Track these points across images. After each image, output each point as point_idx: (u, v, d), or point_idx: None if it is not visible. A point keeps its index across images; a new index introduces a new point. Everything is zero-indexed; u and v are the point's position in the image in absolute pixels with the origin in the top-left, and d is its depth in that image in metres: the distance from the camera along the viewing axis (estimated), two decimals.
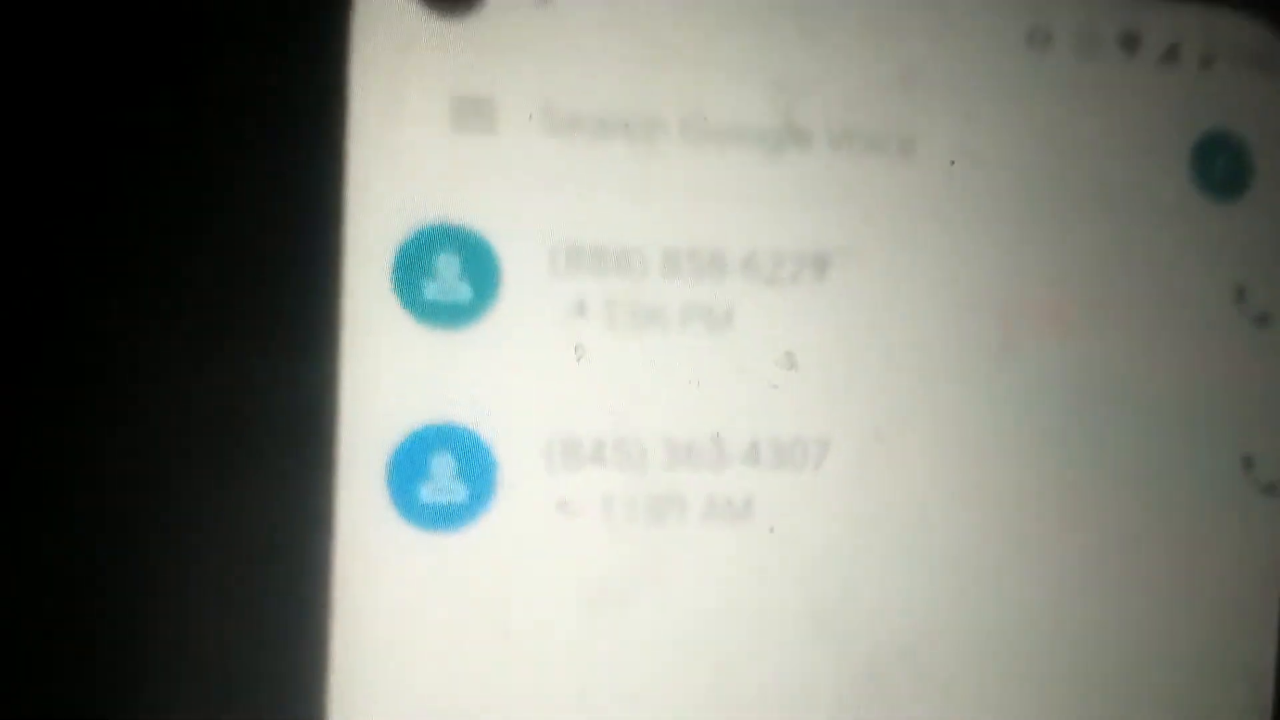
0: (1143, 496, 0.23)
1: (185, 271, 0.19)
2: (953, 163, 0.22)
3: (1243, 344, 0.23)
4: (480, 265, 0.20)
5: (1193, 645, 0.23)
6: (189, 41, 0.18)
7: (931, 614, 0.22)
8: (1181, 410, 0.23)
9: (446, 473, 0.19)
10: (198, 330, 0.19)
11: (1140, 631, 0.23)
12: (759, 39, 0.21)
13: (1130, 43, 0.23)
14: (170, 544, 0.19)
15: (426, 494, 0.19)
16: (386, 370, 0.19)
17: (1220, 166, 0.23)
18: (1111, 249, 0.23)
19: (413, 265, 0.19)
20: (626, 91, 0.20)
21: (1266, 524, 0.23)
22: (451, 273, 0.19)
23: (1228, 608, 0.23)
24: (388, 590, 0.19)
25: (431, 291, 0.19)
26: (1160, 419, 0.23)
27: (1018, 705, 0.22)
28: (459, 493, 0.20)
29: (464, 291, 0.20)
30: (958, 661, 0.22)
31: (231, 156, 0.19)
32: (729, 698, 0.21)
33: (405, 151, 0.19)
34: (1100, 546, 0.23)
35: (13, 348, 0.18)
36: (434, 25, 0.19)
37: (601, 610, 0.20)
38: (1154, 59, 0.23)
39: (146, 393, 0.18)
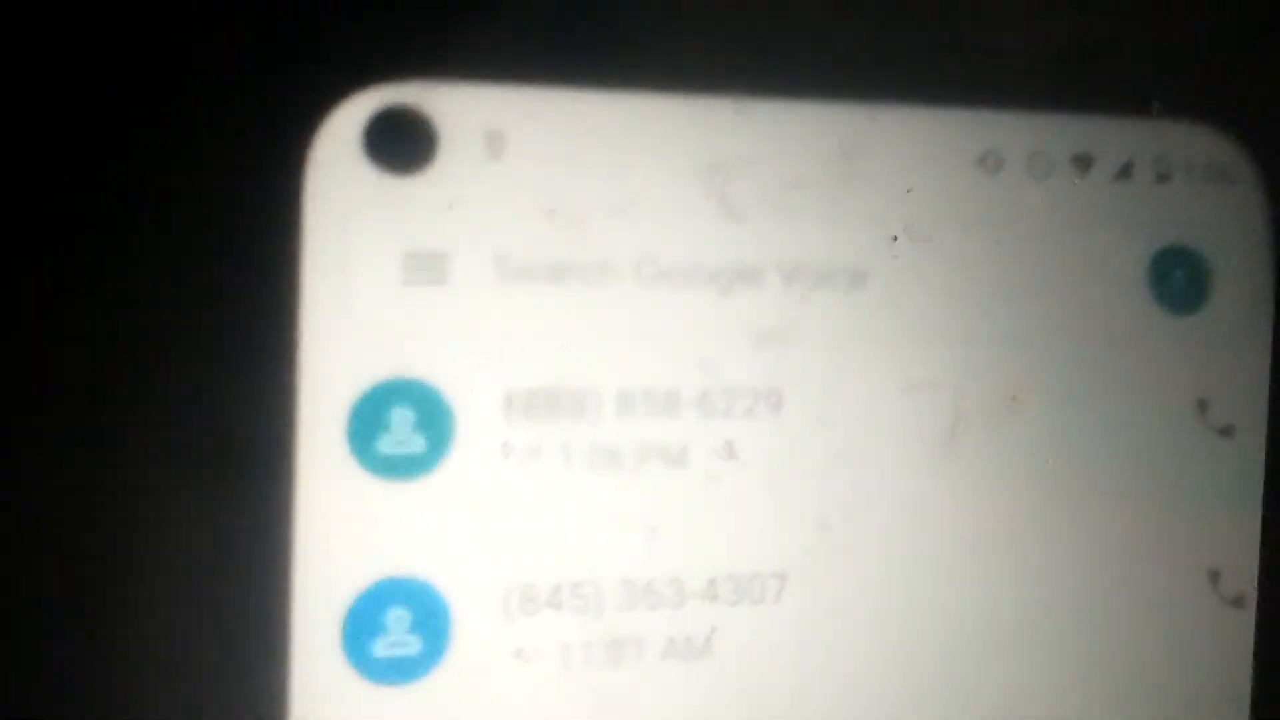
0: (1103, 607, 0.23)
1: (134, 427, 0.19)
2: (895, 239, 0.22)
3: (1207, 456, 0.24)
4: (434, 416, 0.20)
5: None
6: (140, 200, 0.19)
7: None
8: (1145, 523, 0.23)
9: (401, 626, 0.20)
10: (148, 485, 0.19)
11: None
12: (708, 163, 0.21)
13: (1083, 162, 0.23)
14: (121, 700, 0.19)
15: (381, 648, 0.20)
16: (341, 524, 0.19)
17: (1178, 280, 0.23)
18: (1068, 363, 0.23)
19: (368, 420, 0.19)
20: (578, 239, 0.20)
21: (1234, 637, 0.23)
22: (405, 426, 0.20)
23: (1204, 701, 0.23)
24: None
25: (386, 445, 0.20)
26: (1124, 531, 0.23)
27: None
28: (413, 645, 0.20)
29: (418, 443, 0.20)
30: None
31: (183, 316, 0.19)
32: None
33: (359, 307, 0.19)
34: (1058, 654, 0.23)
35: None
36: (386, 183, 0.20)
37: None
38: (1107, 177, 0.23)
39: (104, 553, 0.19)
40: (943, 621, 0.22)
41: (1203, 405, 0.24)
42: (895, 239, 0.22)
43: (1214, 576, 0.24)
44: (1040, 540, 0.23)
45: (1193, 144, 0.24)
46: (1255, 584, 0.24)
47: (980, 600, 0.22)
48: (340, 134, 0.19)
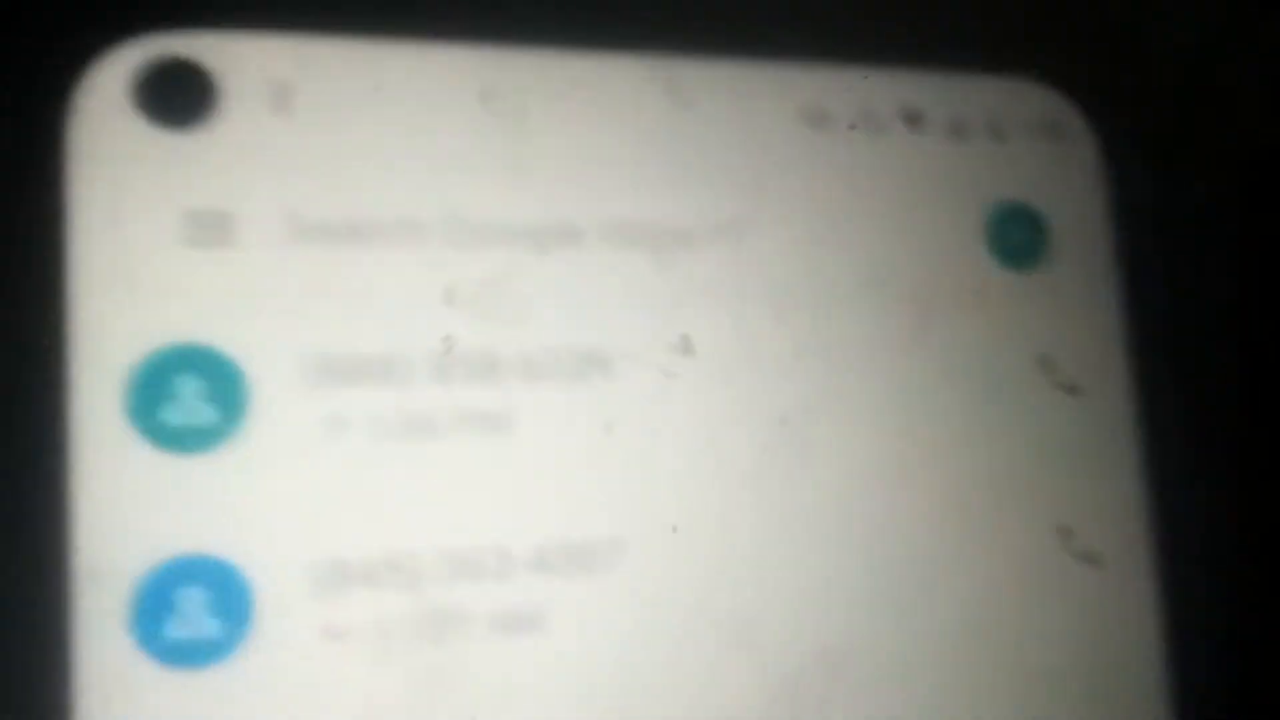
0: (959, 572, 0.22)
1: None
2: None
3: (1053, 414, 0.23)
4: (225, 384, 0.19)
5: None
6: None
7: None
8: (991, 479, 0.23)
9: (195, 606, 0.18)
10: None
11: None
12: (511, 114, 0.20)
13: (913, 118, 0.23)
14: None
15: (174, 629, 0.18)
16: (124, 502, 0.18)
17: (1016, 236, 0.23)
18: (906, 325, 0.22)
19: (148, 389, 0.18)
20: (375, 196, 0.19)
21: (1088, 593, 0.23)
22: (192, 394, 0.18)
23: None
24: None
25: (172, 415, 0.18)
26: (972, 492, 0.23)
27: None
28: (210, 626, 0.18)
29: (208, 414, 0.19)
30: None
31: None
32: None
33: (134, 269, 0.18)
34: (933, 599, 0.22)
35: None
36: (161, 138, 0.19)
37: None
38: (940, 133, 0.23)
39: None
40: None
41: (1045, 362, 0.23)
42: (717, 194, 0.21)
43: (1065, 533, 0.23)
44: (877, 515, 0.22)
45: (1026, 101, 0.24)
46: (1109, 541, 0.23)
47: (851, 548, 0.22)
48: (105, 86, 0.18)
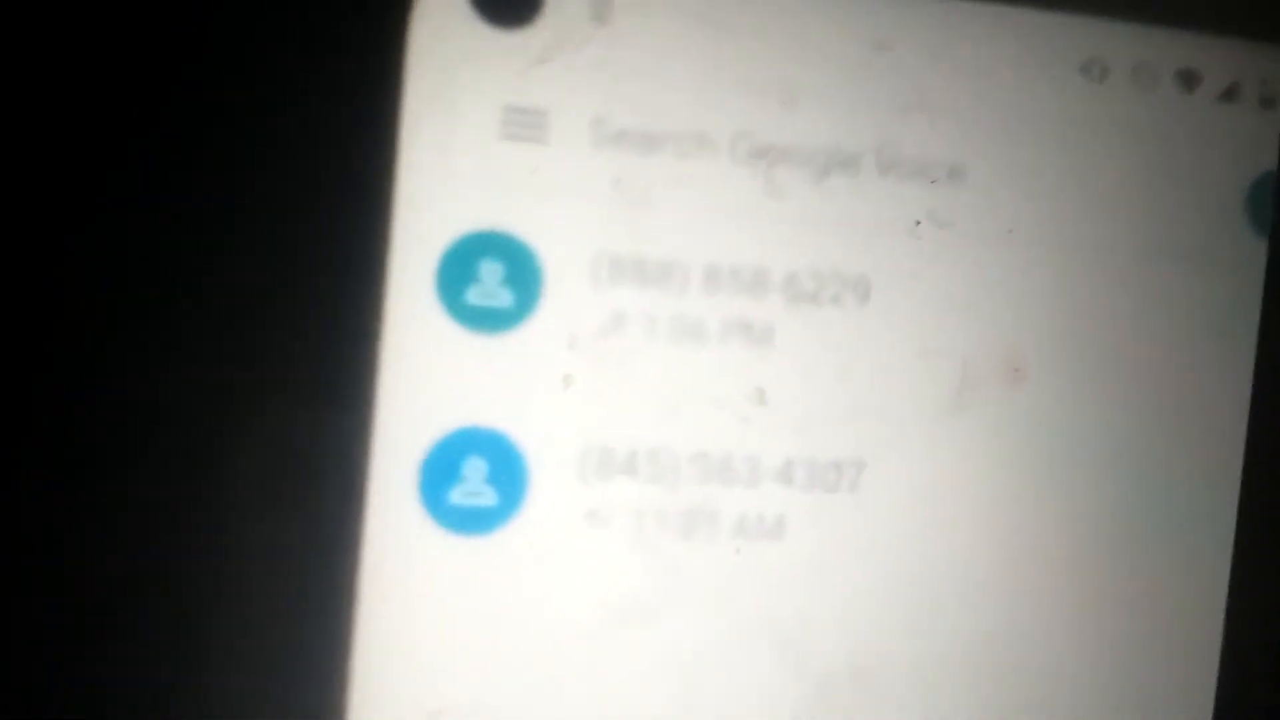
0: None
1: (232, 261, 0.19)
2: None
3: None
4: (523, 272, 0.20)
5: (1135, 680, 0.23)
6: (246, 45, 0.19)
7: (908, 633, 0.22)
8: None
9: (477, 476, 0.20)
10: (238, 321, 0.19)
11: (1083, 666, 0.23)
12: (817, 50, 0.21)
13: (1189, 79, 0.23)
14: (201, 540, 0.19)
15: (457, 496, 0.20)
16: (425, 371, 0.20)
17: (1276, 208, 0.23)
18: (1162, 284, 0.22)
19: (457, 270, 0.20)
20: (677, 109, 0.20)
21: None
22: (494, 279, 0.20)
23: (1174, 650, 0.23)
24: (412, 590, 0.20)
25: (474, 296, 0.20)
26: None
27: None
28: (489, 496, 0.20)
29: (505, 297, 0.20)
30: (922, 678, 0.22)
31: (286, 155, 0.19)
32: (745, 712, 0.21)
33: (456, 158, 0.20)
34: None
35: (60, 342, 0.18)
36: (490, 36, 0.20)
37: (625, 623, 0.21)
38: (1212, 97, 0.23)
39: (184, 389, 0.19)
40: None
41: None
42: (993, 136, 0.22)
43: None
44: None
45: None
46: None
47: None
48: None
